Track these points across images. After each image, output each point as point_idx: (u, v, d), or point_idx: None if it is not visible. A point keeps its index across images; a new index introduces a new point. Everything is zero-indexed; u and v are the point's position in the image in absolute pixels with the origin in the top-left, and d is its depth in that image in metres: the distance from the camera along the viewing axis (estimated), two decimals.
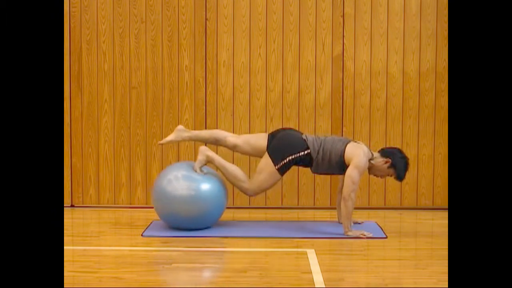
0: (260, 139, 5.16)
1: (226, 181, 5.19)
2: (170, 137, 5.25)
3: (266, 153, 5.07)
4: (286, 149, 5.03)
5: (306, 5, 5.88)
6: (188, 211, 4.95)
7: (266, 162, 5.06)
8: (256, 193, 5.14)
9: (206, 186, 4.97)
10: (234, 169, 5.13)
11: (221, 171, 5.15)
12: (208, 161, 5.08)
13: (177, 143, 5.75)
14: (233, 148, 5.22)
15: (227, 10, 5.90)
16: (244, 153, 5.24)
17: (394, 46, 5.89)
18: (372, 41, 5.89)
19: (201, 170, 5.02)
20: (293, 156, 5.02)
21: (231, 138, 5.22)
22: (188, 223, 5.00)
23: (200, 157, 5.05)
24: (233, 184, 5.18)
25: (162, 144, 5.40)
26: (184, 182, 4.95)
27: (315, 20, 5.89)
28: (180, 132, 5.23)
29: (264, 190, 5.15)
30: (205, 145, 5.42)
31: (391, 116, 5.93)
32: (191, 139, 5.31)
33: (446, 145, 5.89)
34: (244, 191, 5.14)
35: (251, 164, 5.86)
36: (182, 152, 5.96)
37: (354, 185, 4.88)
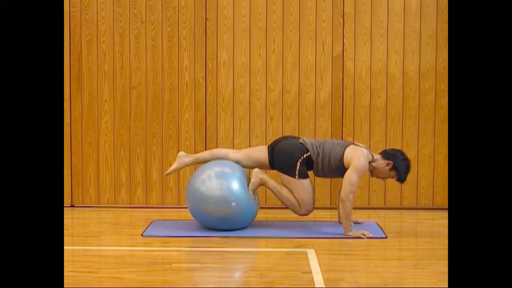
0: (260, 152, 5.20)
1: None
2: (174, 165, 5.27)
3: (279, 172, 5.09)
4: (290, 159, 5.04)
5: (306, 5, 5.88)
6: (220, 212, 4.95)
7: (287, 180, 5.08)
8: (308, 210, 5.11)
9: (242, 188, 4.98)
10: (288, 194, 5.11)
11: (275, 194, 5.15)
12: (261, 184, 5.10)
13: (177, 143, 5.78)
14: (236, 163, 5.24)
15: (227, 10, 5.90)
16: (246, 166, 5.26)
17: (394, 46, 5.89)
18: (372, 41, 5.89)
19: (254, 194, 5.04)
20: (301, 159, 5.03)
21: (232, 154, 5.24)
22: (220, 223, 5.01)
23: (254, 180, 5.05)
24: (286, 206, 5.18)
25: (167, 174, 5.42)
26: (217, 182, 4.95)
27: (315, 20, 5.89)
28: (182, 158, 5.25)
29: (310, 201, 5.08)
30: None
31: (391, 116, 5.93)
32: (193, 162, 5.31)
33: (446, 145, 5.89)
34: (297, 212, 5.15)
35: None
36: None
37: (352, 187, 4.88)
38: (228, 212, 4.95)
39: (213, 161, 5.17)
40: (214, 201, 4.93)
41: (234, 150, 5.33)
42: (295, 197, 5.08)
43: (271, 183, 5.11)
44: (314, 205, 5.14)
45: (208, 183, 4.97)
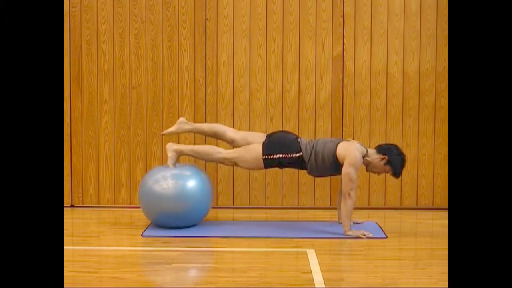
0: (257, 137, 5.20)
1: (210, 179, 5.27)
2: (172, 128, 5.34)
3: (261, 143, 5.10)
4: (278, 147, 5.06)
5: (306, 5, 5.88)
6: (173, 209, 5.00)
7: (257, 148, 5.09)
8: (232, 163, 5.18)
9: (191, 184, 5.02)
10: (204, 148, 5.25)
11: (195, 157, 5.26)
12: (179, 155, 5.18)
13: (177, 136, 5.79)
14: (231, 142, 5.26)
15: (227, 10, 5.90)
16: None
17: (394, 46, 5.89)
18: (372, 41, 5.89)
19: (174, 165, 5.12)
20: (282, 155, 5.04)
21: (230, 133, 5.27)
22: (174, 221, 5.05)
23: (170, 154, 5.16)
24: (212, 161, 5.31)
25: (163, 135, 5.49)
26: (171, 181, 5.01)
27: (315, 20, 5.89)
28: (181, 124, 5.29)
29: (239, 166, 5.19)
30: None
31: (391, 116, 5.93)
32: (191, 131, 5.37)
33: (446, 145, 5.89)
34: (222, 161, 5.21)
35: None
36: None
37: (352, 182, 4.88)
38: (181, 210, 5.01)
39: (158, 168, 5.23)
40: (168, 199, 4.99)
41: (233, 130, 5.35)
42: (242, 153, 5.10)
43: (187, 149, 5.20)
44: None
45: (162, 182, 5.02)
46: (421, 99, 5.92)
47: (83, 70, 5.95)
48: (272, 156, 5.06)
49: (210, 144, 5.65)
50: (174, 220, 5.04)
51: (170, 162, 5.12)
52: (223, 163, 5.22)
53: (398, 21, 5.88)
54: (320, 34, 5.90)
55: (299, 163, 5.07)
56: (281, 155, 5.05)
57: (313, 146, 5.05)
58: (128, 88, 5.96)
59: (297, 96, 5.93)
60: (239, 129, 5.88)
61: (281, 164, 5.10)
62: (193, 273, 4.09)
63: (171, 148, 5.16)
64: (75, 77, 5.95)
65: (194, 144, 5.89)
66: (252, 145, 5.13)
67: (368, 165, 5.06)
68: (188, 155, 5.24)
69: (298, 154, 5.05)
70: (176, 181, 5.01)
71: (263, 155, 5.06)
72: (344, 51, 5.91)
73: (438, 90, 5.92)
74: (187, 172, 5.09)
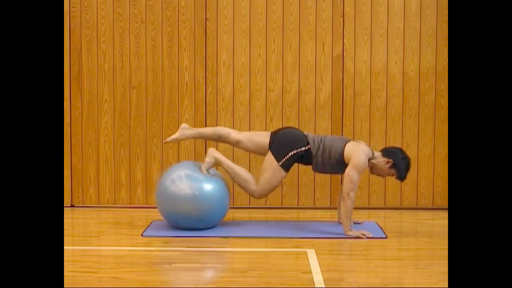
0: (262, 137, 5.18)
1: (229, 181, 5.20)
2: (175, 135, 5.26)
3: (269, 151, 5.09)
4: (287, 145, 5.05)
5: (306, 5, 5.88)
6: (191, 211, 4.95)
7: (269, 160, 5.07)
8: (262, 194, 5.13)
9: (209, 186, 4.98)
10: (242, 172, 5.13)
11: (229, 174, 5.14)
12: (216, 164, 5.11)
13: (178, 142, 5.77)
14: (236, 144, 5.23)
15: (227, 10, 5.90)
16: (246, 149, 5.25)
17: (394, 46, 5.89)
18: (372, 41, 5.89)
19: (207, 172, 5.04)
20: (294, 151, 5.05)
21: (234, 134, 5.24)
22: (191, 222, 5.01)
23: (208, 159, 5.07)
24: (240, 186, 5.17)
25: (166, 142, 5.40)
26: (187, 182, 4.96)
27: (315, 20, 5.89)
28: (184, 130, 5.25)
29: (271, 189, 5.12)
30: (216, 147, 5.42)
31: (391, 116, 5.93)
32: (194, 136, 5.32)
33: (446, 145, 5.89)
34: (251, 193, 5.13)
35: (251, 162, 5.87)
36: (182, 152, 5.96)
37: (353, 184, 4.89)
38: (200, 211, 4.96)
39: (184, 163, 5.18)
40: (185, 200, 4.94)
41: (237, 131, 5.32)
42: (261, 178, 5.06)
43: (226, 163, 5.11)
44: (268, 195, 5.18)
45: (178, 183, 4.97)
46: (421, 99, 5.92)
47: (83, 70, 5.95)
48: (286, 157, 5.05)
49: (210, 146, 5.66)
50: (192, 222, 4.99)
51: (204, 167, 5.04)
52: (252, 195, 5.14)
53: (398, 21, 5.88)
54: (320, 34, 5.90)
55: (307, 157, 5.07)
56: (293, 152, 5.05)
57: (321, 140, 5.06)
58: (128, 88, 5.96)
59: (297, 96, 5.93)
60: (239, 129, 5.88)
61: (296, 160, 5.10)
62: (193, 273, 4.09)
63: (212, 154, 5.08)
64: (75, 77, 5.95)
65: (193, 147, 5.89)
66: (264, 164, 5.07)
67: (373, 168, 5.06)
68: (224, 168, 5.14)
69: (306, 147, 5.05)
70: (199, 184, 4.94)
71: (278, 162, 5.05)
72: (344, 51, 5.91)
73: (438, 90, 5.92)
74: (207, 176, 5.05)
